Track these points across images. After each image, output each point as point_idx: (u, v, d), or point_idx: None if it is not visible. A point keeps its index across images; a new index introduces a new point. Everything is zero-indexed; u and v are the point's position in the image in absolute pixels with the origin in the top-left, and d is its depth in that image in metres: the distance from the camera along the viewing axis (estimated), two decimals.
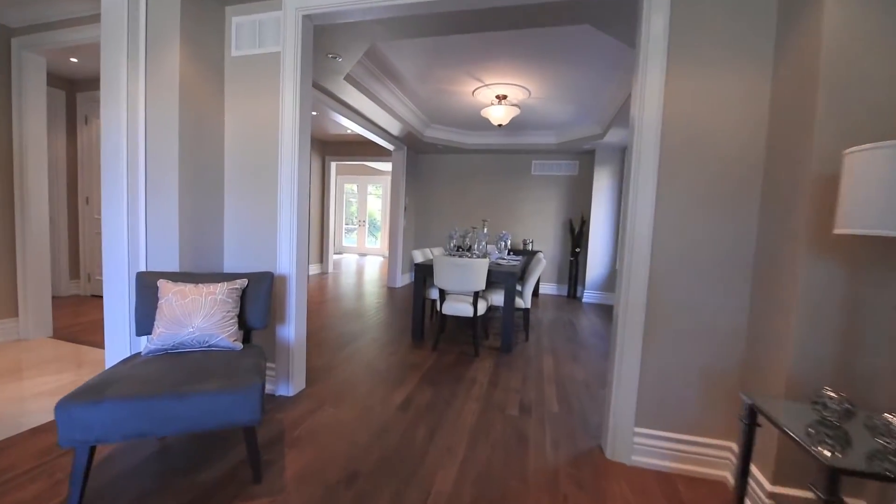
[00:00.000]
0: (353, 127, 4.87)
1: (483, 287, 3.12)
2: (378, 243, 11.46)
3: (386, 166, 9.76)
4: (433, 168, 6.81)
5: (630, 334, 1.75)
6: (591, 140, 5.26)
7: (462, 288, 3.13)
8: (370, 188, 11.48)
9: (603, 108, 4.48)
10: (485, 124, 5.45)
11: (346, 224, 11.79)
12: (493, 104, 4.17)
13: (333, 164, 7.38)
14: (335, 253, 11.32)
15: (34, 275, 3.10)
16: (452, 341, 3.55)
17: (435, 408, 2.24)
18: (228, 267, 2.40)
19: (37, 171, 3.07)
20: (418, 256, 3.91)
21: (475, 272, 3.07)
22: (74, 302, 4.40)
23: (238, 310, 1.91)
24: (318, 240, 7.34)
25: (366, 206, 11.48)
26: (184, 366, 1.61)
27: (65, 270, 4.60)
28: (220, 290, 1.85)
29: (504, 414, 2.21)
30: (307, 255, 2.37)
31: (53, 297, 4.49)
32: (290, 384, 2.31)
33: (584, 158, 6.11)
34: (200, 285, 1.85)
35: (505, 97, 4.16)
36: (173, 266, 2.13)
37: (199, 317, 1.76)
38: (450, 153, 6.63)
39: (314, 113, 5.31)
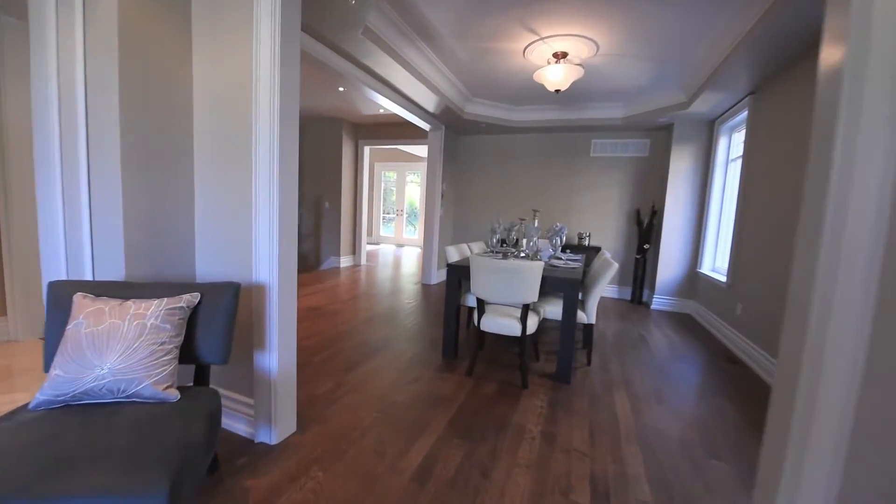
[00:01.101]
0: (383, 103, 4.22)
1: (535, 299, 2.38)
2: (416, 234, 10.92)
3: (425, 150, 9.11)
4: (474, 151, 6.05)
5: (820, 418, 0.95)
6: (670, 111, 4.25)
7: (507, 299, 2.41)
8: (409, 176, 10.91)
9: (694, 65, 3.48)
10: (536, 96, 4.59)
11: (385, 213, 11.34)
12: (549, 64, 3.33)
13: (367, 149, 6.84)
14: (372, 243, 10.94)
15: (22, 270, 2.77)
16: (493, 362, 2.84)
17: (466, 481, 1.56)
18: (202, 274, 1.84)
19: (21, 157, 2.71)
20: (453, 254, 3.22)
21: (525, 280, 2.33)
22: None
23: (182, 338, 1.33)
24: (351, 230, 6.87)
25: (404, 194, 10.94)
26: (71, 437, 1.04)
27: None
28: (153, 310, 1.27)
29: (568, 500, 1.48)
30: (295, 257, 1.75)
31: None
32: (272, 429, 1.72)
33: (658, 136, 5.07)
34: (129, 303, 1.28)
35: (565, 55, 3.31)
36: (121, 273, 1.60)
37: (114, 352, 1.19)
38: (494, 133, 5.83)
39: (341, 88, 4.73)
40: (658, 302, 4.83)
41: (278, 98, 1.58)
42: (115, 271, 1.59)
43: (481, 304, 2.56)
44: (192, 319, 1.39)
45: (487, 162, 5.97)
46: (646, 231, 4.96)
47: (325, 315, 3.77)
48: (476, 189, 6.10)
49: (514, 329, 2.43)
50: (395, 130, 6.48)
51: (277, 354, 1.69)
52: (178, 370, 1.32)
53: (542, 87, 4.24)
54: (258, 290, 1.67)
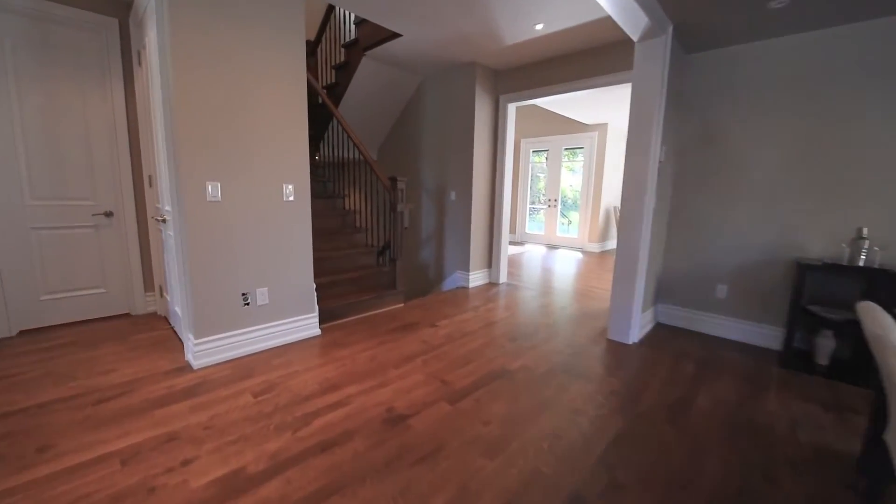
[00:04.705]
0: None
1: None
2: (575, 231, 8.08)
3: (596, 113, 6.20)
4: (732, 79, 3.00)
5: None
6: None
7: None
8: (564, 160, 8.09)
9: None
10: None
11: (531, 203, 8.87)
12: None
13: (511, 108, 4.48)
14: (514, 243, 8.60)
15: None
16: None
17: None
18: None
19: None
20: None
21: None
22: (146, 323, 3.01)
23: None
24: (486, 231, 4.68)
25: (559, 177, 8.21)
26: None
27: (138, 281, 3.30)
28: None
29: None
30: None
31: (129, 315, 3.27)
32: None
33: None
34: None
35: None
36: None
37: None
38: (796, 27, 2.71)
39: None
40: None
41: None
42: None
43: None
44: None
45: (765, 100, 2.89)
46: None
47: (399, 459, 1.61)
48: (738, 151, 3.09)
49: None
50: (560, 68, 3.91)
51: None
52: None
53: None
54: None
